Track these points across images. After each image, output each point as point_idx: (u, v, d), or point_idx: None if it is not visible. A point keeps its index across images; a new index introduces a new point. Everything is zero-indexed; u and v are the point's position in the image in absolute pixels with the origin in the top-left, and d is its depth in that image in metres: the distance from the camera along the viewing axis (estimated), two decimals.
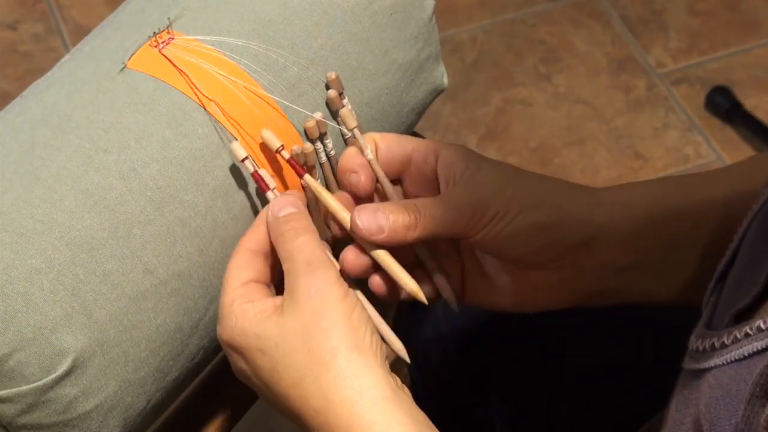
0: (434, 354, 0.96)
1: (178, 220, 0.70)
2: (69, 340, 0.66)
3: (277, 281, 0.71)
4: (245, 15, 0.75)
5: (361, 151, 0.73)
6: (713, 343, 0.63)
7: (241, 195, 0.73)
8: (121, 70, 0.72)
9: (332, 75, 0.76)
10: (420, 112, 0.85)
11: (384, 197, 0.75)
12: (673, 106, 1.85)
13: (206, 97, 0.72)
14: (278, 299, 0.68)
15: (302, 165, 0.73)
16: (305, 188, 0.74)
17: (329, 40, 0.77)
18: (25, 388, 0.66)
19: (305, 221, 0.70)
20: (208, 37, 0.74)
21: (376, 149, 0.74)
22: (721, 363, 0.61)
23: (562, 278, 0.75)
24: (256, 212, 0.73)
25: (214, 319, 0.72)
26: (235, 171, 0.72)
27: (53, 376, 0.66)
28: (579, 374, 0.92)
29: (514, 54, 1.91)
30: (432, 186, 0.75)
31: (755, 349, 0.59)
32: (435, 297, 0.76)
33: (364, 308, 0.68)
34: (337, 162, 0.75)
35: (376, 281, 0.73)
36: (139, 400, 0.70)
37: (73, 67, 0.74)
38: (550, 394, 0.92)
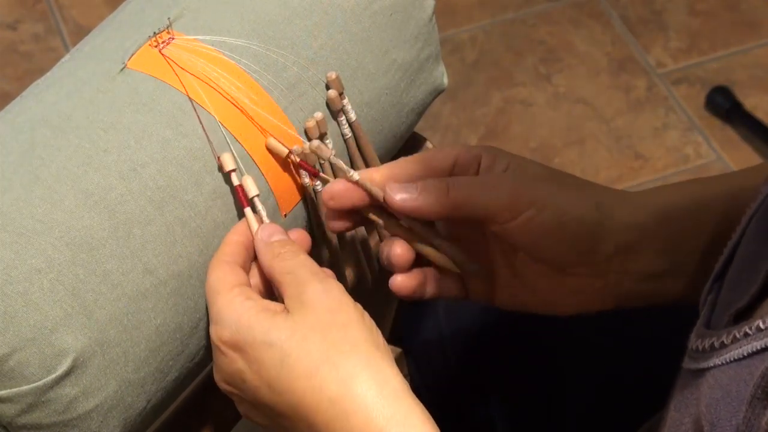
0: (434, 354, 0.96)
1: (178, 220, 0.70)
2: (69, 340, 0.66)
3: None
4: (245, 15, 0.75)
5: (345, 176, 0.72)
6: (713, 343, 0.62)
7: None
8: (121, 70, 0.72)
9: (332, 75, 0.76)
10: (420, 112, 0.85)
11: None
12: (673, 106, 1.85)
13: (207, 96, 0.72)
14: (278, 304, 0.68)
15: (313, 164, 0.73)
16: (305, 188, 0.74)
17: (329, 40, 0.77)
18: (25, 388, 0.66)
19: (298, 246, 0.69)
20: (208, 37, 0.74)
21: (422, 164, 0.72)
22: (720, 363, 0.61)
23: (601, 283, 0.74)
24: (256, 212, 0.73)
25: None
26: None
27: (53, 376, 0.66)
28: (579, 374, 0.91)
29: (514, 54, 1.91)
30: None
31: (754, 349, 0.59)
32: (455, 293, 0.75)
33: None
34: (336, 162, 0.75)
35: (397, 280, 0.73)
36: (139, 400, 0.70)
37: (73, 67, 0.74)
38: (550, 394, 0.92)
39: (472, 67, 1.90)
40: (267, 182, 0.73)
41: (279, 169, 0.73)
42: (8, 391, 0.66)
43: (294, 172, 0.74)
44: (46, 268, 0.66)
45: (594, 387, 0.91)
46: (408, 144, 0.88)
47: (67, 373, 0.66)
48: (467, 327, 0.95)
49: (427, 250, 0.72)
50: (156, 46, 0.73)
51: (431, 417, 0.64)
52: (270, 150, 0.72)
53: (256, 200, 0.71)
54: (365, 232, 0.81)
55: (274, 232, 0.69)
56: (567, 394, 0.92)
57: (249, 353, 0.66)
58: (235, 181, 0.71)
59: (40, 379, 0.66)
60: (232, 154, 0.71)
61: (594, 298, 0.75)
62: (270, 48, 0.75)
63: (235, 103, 0.72)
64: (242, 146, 0.72)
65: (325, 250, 0.78)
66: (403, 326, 0.98)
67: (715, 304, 0.67)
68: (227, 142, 0.72)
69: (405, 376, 0.85)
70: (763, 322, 0.59)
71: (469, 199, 0.70)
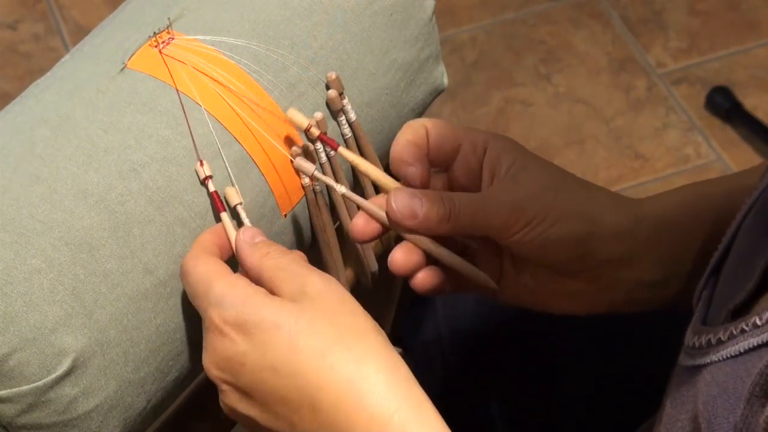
0: (434, 354, 0.96)
1: (178, 220, 0.70)
2: (69, 340, 0.66)
3: None
4: (245, 15, 0.75)
5: (336, 192, 0.73)
6: (709, 339, 0.62)
7: None
8: (121, 70, 0.72)
9: (332, 75, 0.76)
10: (420, 112, 0.85)
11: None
12: (673, 106, 1.85)
13: (207, 96, 0.72)
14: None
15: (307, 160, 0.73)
16: (305, 188, 0.75)
17: (329, 40, 0.77)
18: (25, 388, 0.66)
19: (282, 246, 0.69)
20: (208, 37, 0.74)
21: (427, 135, 0.73)
22: (717, 359, 0.61)
23: (596, 288, 0.75)
24: (256, 212, 0.73)
25: None
26: (235, 171, 0.72)
27: (53, 376, 0.66)
28: (579, 374, 0.92)
29: (514, 54, 1.91)
30: (479, 177, 0.74)
31: (751, 346, 0.59)
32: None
33: None
34: (336, 162, 0.75)
35: (420, 277, 0.73)
36: (139, 400, 0.70)
37: (73, 67, 0.74)
38: (550, 394, 0.92)
39: (472, 67, 1.90)
40: (267, 182, 0.73)
41: (279, 169, 0.73)
42: (8, 391, 0.66)
43: (294, 172, 0.74)
44: (46, 268, 0.66)
45: (594, 387, 0.91)
46: None
47: (67, 373, 0.67)
48: (467, 327, 0.95)
49: (453, 260, 0.73)
50: (156, 46, 0.73)
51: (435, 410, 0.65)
52: (291, 121, 0.72)
53: (239, 208, 0.71)
54: None
55: (256, 234, 0.69)
56: (567, 394, 0.92)
57: (255, 335, 0.64)
58: (211, 188, 0.71)
59: (40, 379, 0.66)
60: (241, 142, 0.71)
61: (585, 302, 0.76)
62: (270, 48, 0.75)
63: (235, 104, 0.72)
64: (242, 146, 0.72)
65: (325, 251, 0.78)
66: (403, 326, 0.98)
67: (711, 299, 0.67)
68: (226, 143, 0.72)
69: None
70: (760, 319, 0.59)
71: (470, 224, 0.71)
